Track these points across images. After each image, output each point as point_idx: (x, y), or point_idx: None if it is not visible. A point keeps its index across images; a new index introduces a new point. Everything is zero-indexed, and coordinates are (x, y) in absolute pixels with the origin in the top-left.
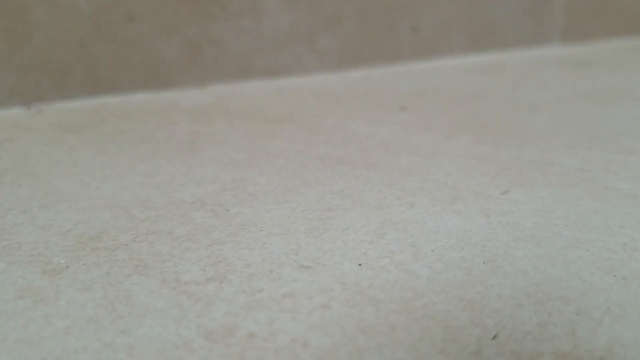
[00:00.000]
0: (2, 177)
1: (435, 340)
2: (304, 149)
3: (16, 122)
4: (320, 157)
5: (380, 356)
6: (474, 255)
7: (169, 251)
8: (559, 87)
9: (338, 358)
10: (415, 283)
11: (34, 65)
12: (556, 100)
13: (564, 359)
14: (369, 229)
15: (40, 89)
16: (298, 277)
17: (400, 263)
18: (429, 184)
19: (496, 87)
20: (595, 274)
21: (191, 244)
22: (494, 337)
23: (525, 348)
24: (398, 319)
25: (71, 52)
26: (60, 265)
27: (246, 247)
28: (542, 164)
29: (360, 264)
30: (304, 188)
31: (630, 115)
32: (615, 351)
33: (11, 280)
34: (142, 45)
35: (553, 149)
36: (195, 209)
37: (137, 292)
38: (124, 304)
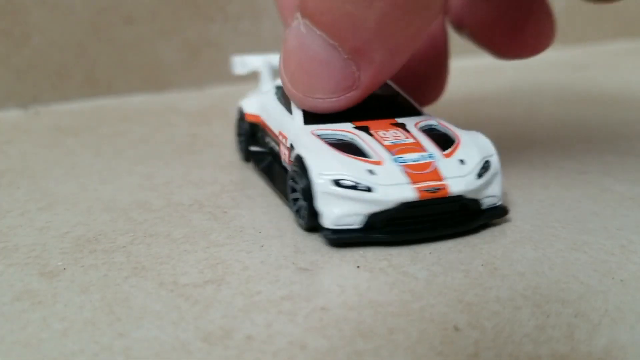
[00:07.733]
0: (0, 179)
1: (434, 343)
2: None
3: (14, 124)
4: None
5: (378, 359)
6: (472, 258)
7: (167, 253)
8: (556, 89)
9: None
10: (413, 285)
11: (32, 67)
12: (553, 102)
13: None
14: None
15: (39, 91)
16: (296, 280)
17: (398, 265)
18: None
19: (493, 89)
20: (593, 276)
21: (189, 246)
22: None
23: (523, 350)
24: (396, 321)
25: (69, 54)
26: (57, 268)
27: (244, 249)
28: (540, 165)
29: (358, 266)
30: None
31: (627, 117)
32: (614, 354)
33: (9, 282)
34: (140, 47)
35: (551, 151)
36: (193, 211)
37: (135, 294)
38: (122, 306)
